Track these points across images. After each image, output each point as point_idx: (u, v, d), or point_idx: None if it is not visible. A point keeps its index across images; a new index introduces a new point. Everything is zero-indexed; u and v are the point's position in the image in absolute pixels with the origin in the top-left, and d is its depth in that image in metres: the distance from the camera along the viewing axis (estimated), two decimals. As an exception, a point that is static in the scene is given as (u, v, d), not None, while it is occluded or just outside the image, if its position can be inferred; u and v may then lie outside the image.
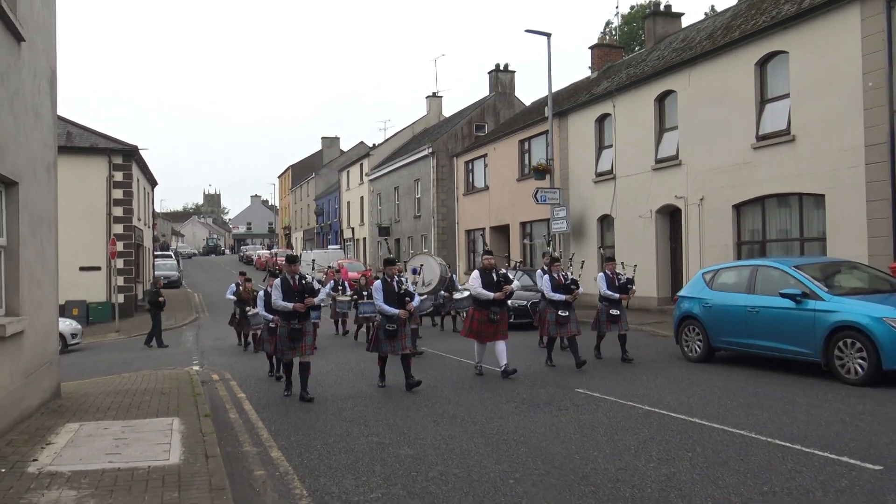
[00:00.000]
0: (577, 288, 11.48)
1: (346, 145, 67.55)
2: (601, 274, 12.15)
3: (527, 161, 26.11)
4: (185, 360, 14.91)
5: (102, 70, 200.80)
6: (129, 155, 27.58)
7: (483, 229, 29.91)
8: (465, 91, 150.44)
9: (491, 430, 7.05)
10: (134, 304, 28.44)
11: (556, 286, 11.37)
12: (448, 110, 46.58)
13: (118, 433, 6.86)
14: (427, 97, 46.99)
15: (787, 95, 15.06)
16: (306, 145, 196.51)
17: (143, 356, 16.58)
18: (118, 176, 26.99)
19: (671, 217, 18.88)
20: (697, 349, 11.11)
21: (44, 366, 8.49)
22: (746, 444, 6.19)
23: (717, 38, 17.86)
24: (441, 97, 47.07)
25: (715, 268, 11.69)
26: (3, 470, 5.45)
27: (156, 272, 40.40)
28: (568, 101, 24.35)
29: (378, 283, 10.08)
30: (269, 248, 74.88)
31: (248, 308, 15.04)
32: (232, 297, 16.47)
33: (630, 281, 12.05)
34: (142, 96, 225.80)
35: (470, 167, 31.57)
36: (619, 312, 11.70)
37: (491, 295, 10.33)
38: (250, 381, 11.26)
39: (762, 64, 15.74)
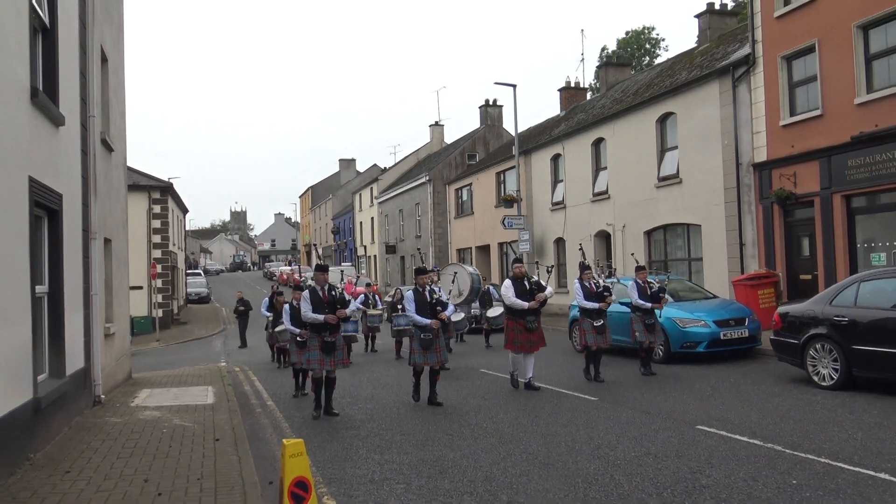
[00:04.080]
0: (610, 295, 11.34)
1: (361, 166, 72.60)
2: (632, 283, 11.99)
3: (502, 190, 30.47)
4: (215, 360, 19.40)
5: (134, 94, 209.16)
6: (165, 190, 32.44)
7: (470, 248, 34.28)
8: (465, 117, 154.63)
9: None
10: (171, 317, 33.20)
11: (589, 295, 11.23)
12: (450, 136, 51.18)
13: (175, 393, 11.36)
14: (430, 126, 51.56)
15: (676, 147, 19.29)
16: (327, 164, 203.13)
17: (181, 358, 21.09)
18: (156, 209, 31.81)
19: (605, 240, 23.09)
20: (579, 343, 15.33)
21: (124, 356, 13.07)
22: (553, 395, 10.44)
23: (639, 95, 22.12)
24: (443, 125, 51.59)
25: (591, 284, 15.91)
26: (118, 405, 9.95)
27: (188, 289, 45.40)
28: (533, 140, 28.71)
29: (409, 293, 9.92)
30: (290, 264, 79.90)
31: (279, 322, 14.45)
32: (266, 312, 16.54)
33: (662, 290, 11.85)
34: (172, 117, 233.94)
35: (459, 194, 36.01)
36: (652, 322, 11.59)
37: (525, 304, 10.25)
38: (261, 371, 15.65)
39: (662, 121, 19.99)
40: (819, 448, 6.46)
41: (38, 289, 7.29)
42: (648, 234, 20.65)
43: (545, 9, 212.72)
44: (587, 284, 11.31)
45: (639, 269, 12.20)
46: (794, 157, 15.29)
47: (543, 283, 10.73)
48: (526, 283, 10.48)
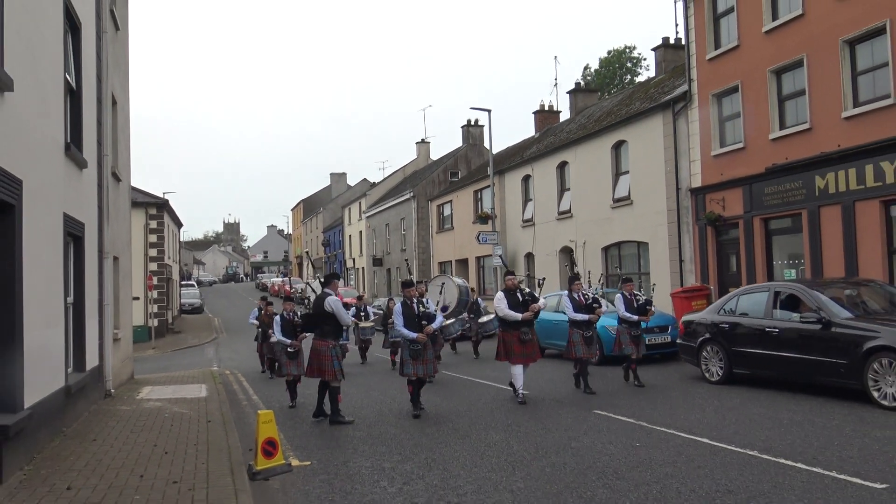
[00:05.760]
0: (600, 307, 11.42)
1: (352, 179, 74.68)
2: (618, 295, 12.13)
3: (479, 207, 32.43)
4: (208, 366, 21.23)
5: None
6: (161, 207, 34.27)
7: (451, 262, 36.20)
8: (451, 133, 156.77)
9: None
10: (166, 326, 34.97)
11: (578, 306, 11.30)
12: (437, 153, 53.16)
13: (173, 389, 13.21)
14: (417, 143, 53.60)
15: (628, 171, 21.29)
16: (319, 177, 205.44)
17: (176, 364, 22.90)
18: (153, 224, 33.63)
19: (569, 255, 25.05)
20: (534, 348, 17.21)
21: (128, 358, 14.92)
22: (491, 389, 12.31)
23: (600, 122, 24.13)
24: (429, 143, 53.67)
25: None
26: (125, 397, 11.80)
27: (182, 300, 47.11)
28: (508, 161, 30.72)
29: (398, 306, 9.99)
30: (285, 275, 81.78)
31: (269, 332, 14.84)
32: (255, 321, 17.07)
33: (649, 301, 12.03)
34: (169, 129, 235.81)
35: (441, 210, 37.97)
36: (638, 334, 11.67)
37: (519, 316, 10.28)
38: (248, 373, 17.48)
39: (616, 147, 21.99)
40: (672, 423, 8.38)
41: (68, 300, 9.16)
42: (605, 250, 22.61)
43: (532, 31, 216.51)
44: (576, 296, 11.39)
45: (625, 280, 12.38)
46: (723, 183, 17.27)
47: (536, 295, 10.83)
48: (518, 294, 10.49)
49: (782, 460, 6.52)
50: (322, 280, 10.18)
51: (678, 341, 12.40)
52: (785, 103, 15.83)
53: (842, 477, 5.90)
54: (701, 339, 11.51)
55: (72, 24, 9.57)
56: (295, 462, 7.36)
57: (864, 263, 13.68)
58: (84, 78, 10.21)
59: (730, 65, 17.18)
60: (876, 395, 8.65)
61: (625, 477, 6.23)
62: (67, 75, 9.17)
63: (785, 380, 10.27)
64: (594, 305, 11.25)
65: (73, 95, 9.76)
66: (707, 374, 11.41)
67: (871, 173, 13.51)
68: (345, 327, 9.93)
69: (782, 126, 15.79)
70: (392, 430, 8.86)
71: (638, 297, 11.96)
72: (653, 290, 15.36)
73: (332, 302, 9.47)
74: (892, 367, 8.47)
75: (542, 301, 10.80)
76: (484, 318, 16.73)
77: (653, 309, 12.12)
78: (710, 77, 17.86)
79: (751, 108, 16.51)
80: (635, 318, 11.66)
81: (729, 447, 7.11)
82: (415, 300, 9.93)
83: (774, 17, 15.96)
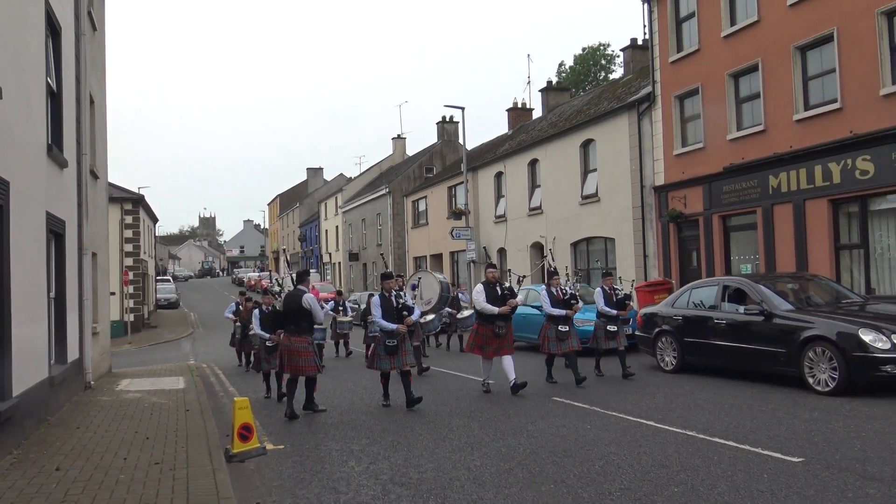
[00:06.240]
0: (577, 302, 11.40)
1: (329, 174, 74.95)
2: (598, 289, 12.29)
3: (454, 203, 32.98)
4: (185, 359, 21.56)
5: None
6: (136, 202, 34.35)
7: (426, 256, 36.72)
8: (427, 129, 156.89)
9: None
10: (142, 321, 35.11)
11: (556, 301, 11.27)
12: (412, 149, 53.58)
13: (151, 381, 13.60)
14: (393, 139, 53.95)
15: (596, 169, 21.95)
16: (297, 170, 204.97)
17: (153, 358, 23.14)
18: (128, 219, 33.70)
19: (539, 250, 25.69)
20: (503, 341, 17.81)
21: (106, 352, 15.27)
22: (455, 378, 12.86)
23: (570, 120, 24.77)
24: (405, 138, 54.03)
25: (512, 290, 18.43)
26: (105, 389, 12.19)
27: (157, 295, 47.17)
28: (482, 157, 31.29)
29: (376, 298, 9.98)
30: (263, 270, 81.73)
31: (248, 327, 14.70)
32: (230, 315, 17.15)
33: (627, 297, 12.22)
34: (142, 124, 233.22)
35: (416, 205, 38.47)
36: (616, 328, 11.80)
37: (496, 310, 10.33)
38: (225, 367, 17.87)
39: (585, 146, 22.64)
40: (623, 409, 8.99)
41: (50, 295, 9.55)
42: (574, 245, 23.29)
43: (510, 28, 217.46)
44: (554, 291, 11.41)
45: (605, 275, 12.54)
46: (685, 182, 17.98)
47: (516, 290, 10.96)
48: (498, 288, 10.57)
49: (717, 439, 7.15)
50: (294, 277, 10.36)
51: (637, 333, 13.05)
52: (742, 105, 16.56)
53: (765, 452, 6.54)
54: (657, 330, 12.17)
55: (52, 29, 9.93)
56: (269, 446, 7.86)
57: (814, 259, 14.44)
58: (64, 80, 10.56)
59: (691, 68, 17.87)
60: (811, 381, 9.34)
61: (572, 455, 6.81)
62: (49, 78, 9.54)
63: (732, 368, 10.94)
64: (571, 301, 11.36)
65: (54, 97, 10.12)
66: (662, 364, 12.08)
67: (819, 174, 14.27)
68: (317, 324, 10.09)
69: (739, 127, 16.52)
70: (362, 417, 9.38)
71: (617, 292, 12.22)
72: (632, 286, 15.75)
73: (309, 300, 9.65)
74: (825, 355, 9.16)
75: (520, 297, 10.94)
76: (464, 314, 17.40)
77: (631, 304, 12.32)
78: (672, 79, 18.55)
79: (710, 110, 17.22)
80: (614, 312, 11.91)
81: (671, 429, 7.73)
82: (393, 293, 10.03)
83: (732, 23, 16.66)
